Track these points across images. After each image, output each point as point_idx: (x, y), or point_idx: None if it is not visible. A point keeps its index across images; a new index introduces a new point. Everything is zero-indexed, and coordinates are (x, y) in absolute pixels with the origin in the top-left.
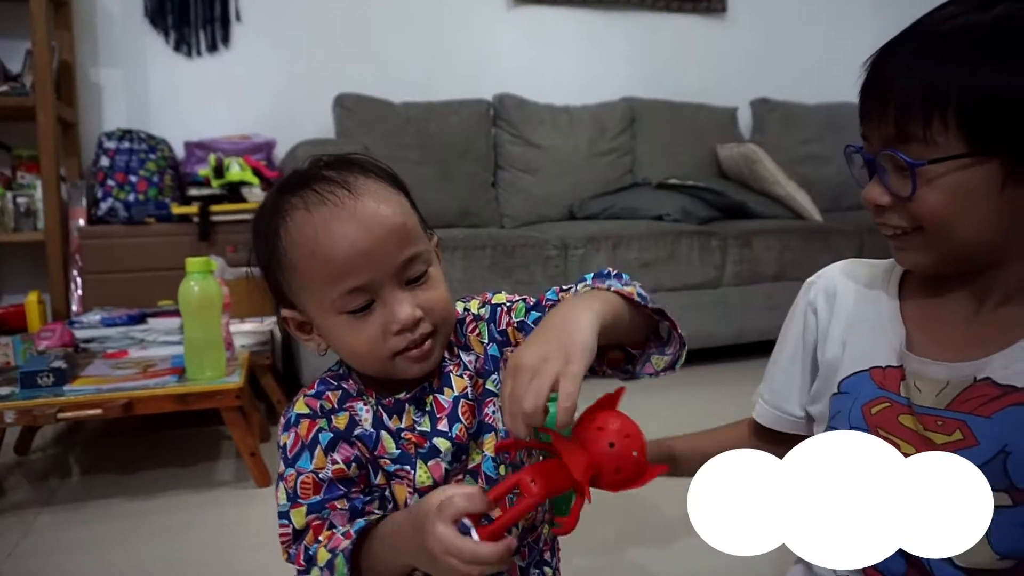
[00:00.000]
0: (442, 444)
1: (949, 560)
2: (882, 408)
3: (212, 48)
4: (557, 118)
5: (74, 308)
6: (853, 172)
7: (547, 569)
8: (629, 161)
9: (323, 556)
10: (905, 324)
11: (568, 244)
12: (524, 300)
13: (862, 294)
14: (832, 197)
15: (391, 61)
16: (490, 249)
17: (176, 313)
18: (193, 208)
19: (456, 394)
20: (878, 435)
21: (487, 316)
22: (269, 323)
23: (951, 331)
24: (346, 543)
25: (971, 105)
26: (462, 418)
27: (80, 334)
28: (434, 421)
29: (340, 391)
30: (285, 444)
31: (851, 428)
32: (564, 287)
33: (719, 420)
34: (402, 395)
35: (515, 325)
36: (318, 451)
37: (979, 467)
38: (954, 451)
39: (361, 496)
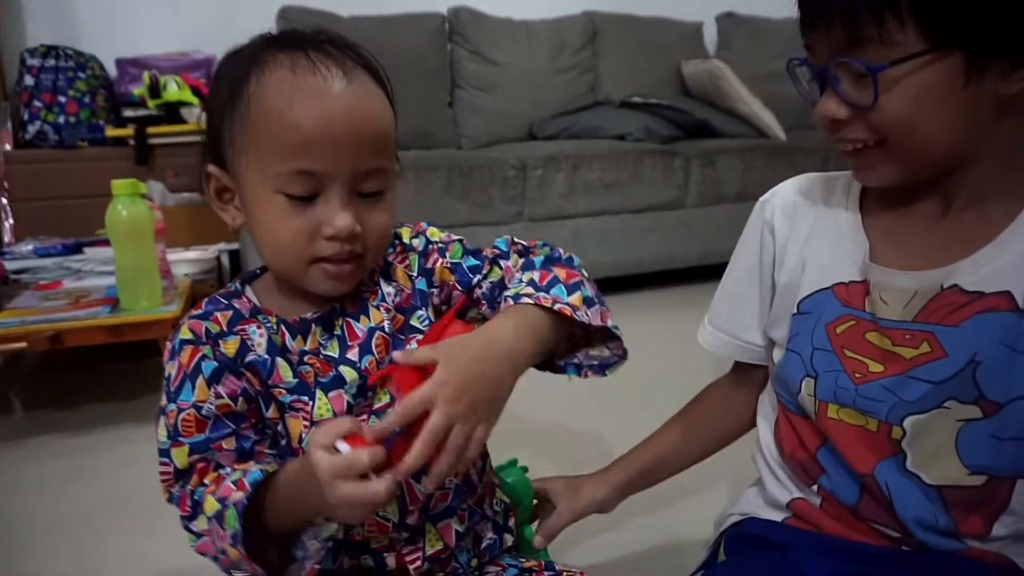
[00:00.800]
0: (348, 374)
1: (916, 476)
2: (848, 327)
3: None
4: (516, 33)
5: (5, 239)
6: (799, 89)
7: (507, 536)
8: (591, 78)
9: (211, 505)
10: (868, 236)
11: (527, 165)
12: (461, 242)
13: (820, 210)
14: (797, 115)
15: None
16: (445, 170)
17: None
18: (128, 130)
19: (372, 325)
20: (843, 355)
21: (419, 248)
22: (214, 250)
23: (916, 239)
24: (239, 495)
25: None
26: (375, 350)
27: (10, 265)
28: (344, 348)
29: (231, 311)
30: (169, 375)
31: (814, 349)
32: (515, 241)
33: (683, 344)
34: (309, 315)
35: (448, 266)
36: (200, 382)
37: (948, 378)
38: (923, 364)
39: (251, 434)
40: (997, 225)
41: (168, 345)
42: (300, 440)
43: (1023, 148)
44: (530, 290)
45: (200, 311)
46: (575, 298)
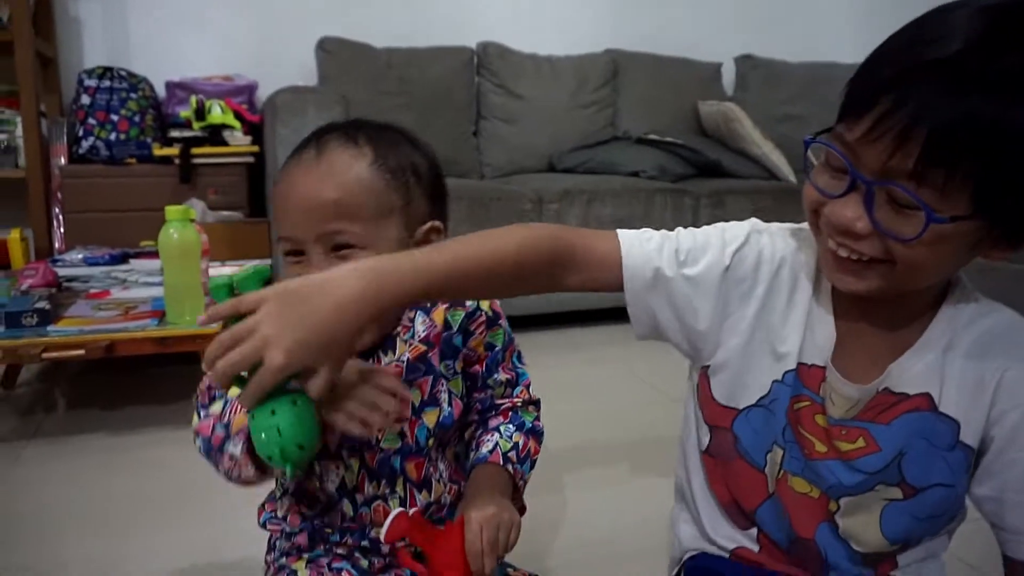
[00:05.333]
0: None
1: (846, 543)
2: (803, 406)
3: None
4: (540, 68)
5: (56, 246)
6: (807, 165)
7: None
8: (610, 114)
9: (235, 390)
10: (837, 331)
11: (543, 198)
12: (510, 337)
13: (804, 281)
14: None
15: (374, 4)
16: (467, 201)
17: (157, 254)
18: (174, 150)
19: (393, 358)
20: (797, 431)
21: (469, 308)
22: (250, 266)
23: (867, 350)
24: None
25: (998, 170)
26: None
27: (63, 272)
28: None
29: None
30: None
31: (787, 424)
32: (529, 388)
33: (681, 382)
34: None
35: (486, 343)
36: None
37: (880, 469)
38: (859, 457)
39: None
40: (914, 333)
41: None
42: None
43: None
44: (513, 456)
45: None
46: (528, 476)
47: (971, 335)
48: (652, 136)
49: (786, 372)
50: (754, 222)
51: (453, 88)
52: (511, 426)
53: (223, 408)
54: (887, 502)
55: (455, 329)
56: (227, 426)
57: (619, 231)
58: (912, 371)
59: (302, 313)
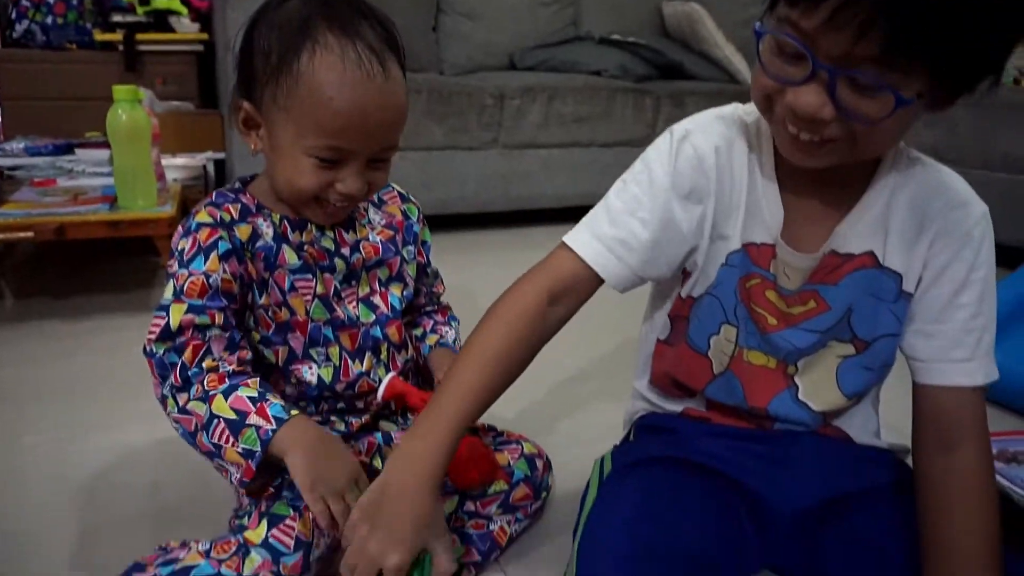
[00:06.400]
0: (339, 264)
1: (806, 405)
2: (755, 283)
3: None
4: None
5: None
6: (761, 52)
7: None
8: (572, 13)
9: (222, 407)
10: (784, 208)
11: (505, 94)
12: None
13: (742, 166)
14: None
15: None
16: (426, 93)
17: (105, 145)
18: (117, 35)
19: (358, 237)
20: (749, 307)
21: (418, 206)
22: (201, 158)
23: (814, 219)
24: (264, 424)
25: (950, 51)
26: (362, 251)
27: (3, 163)
28: (336, 245)
29: (240, 204)
30: (183, 248)
31: (737, 302)
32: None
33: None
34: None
35: (423, 241)
36: (213, 255)
37: (831, 326)
38: (812, 317)
39: (234, 322)
40: (856, 192)
41: (183, 225)
42: (307, 312)
43: None
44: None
45: (213, 200)
46: None
47: (909, 190)
48: (615, 36)
49: (730, 254)
50: (672, 130)
51: None
52: (454, 322)
53: (208, 416)
54: (841, 359)
55: (414, 219)
56: (219, 448)
57: (565, 239)
58: (855, 231)
59: (390, 518)
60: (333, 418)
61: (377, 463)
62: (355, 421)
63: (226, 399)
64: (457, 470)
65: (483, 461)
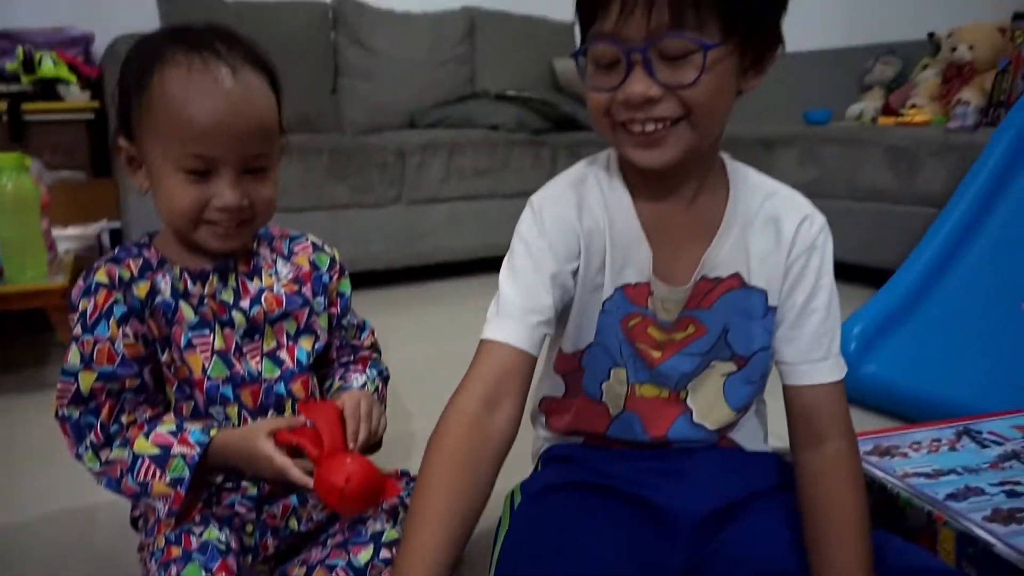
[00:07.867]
0: (238, 318)
1: (702, 427)
2: (635, 323)
3: None
4: (397, 24)
5: None
6: (586, 76)
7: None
8: (468, 71)
9: (144, 446)
10: (649, 242)
11: (405, 151)
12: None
13: (601, 216)
14: None
15: None
16: (328, 154)
17: None
18: (1, 105)
19: (263, 286)
20: (634, 346)
21: (331, 255)
22: (96, 228)
23: (683, 251)
24: (188, 450)
25: None
26: (264, 303)
27: None
28: (237, 298)
29: (141, 259)
30: (85, 310)
31: (620, 343)
32: (374, 334)
33: None
34: (207, 266)
35: (338, 292)
36: (112, 321)
37: (710, 348)
38: (691, 342)
39: (150, 381)
40: (715, 219)
41: (84, 279)
42: (203, 371)
43: (718, 143)
44: (375, 397)
45: (115, 255)
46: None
47: (761, 209)
48: (510, 92)
49: (605, 301)
50: (531, 201)
51: (309, 44)
52: (373, 371)
53: (131, 459)
54: (725, 377)
55: (324, 269)
56: (145, 485)
57: (482, 338)
58: (720, 256)
59: None
60: (244, 483)
61: (293, 524)
62: (266, 487)
63: (147, 439)
64: (348, 505)
65: (371, 492)
